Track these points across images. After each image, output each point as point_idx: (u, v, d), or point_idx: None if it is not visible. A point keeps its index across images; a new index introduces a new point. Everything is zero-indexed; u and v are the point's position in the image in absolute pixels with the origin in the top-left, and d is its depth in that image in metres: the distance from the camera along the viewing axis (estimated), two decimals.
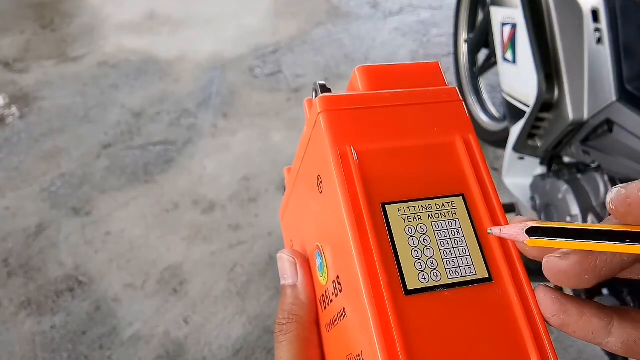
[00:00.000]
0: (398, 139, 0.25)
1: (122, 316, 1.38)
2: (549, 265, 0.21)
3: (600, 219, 0.98)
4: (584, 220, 1.01)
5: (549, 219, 1.11)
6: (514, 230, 0.22)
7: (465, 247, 0.23)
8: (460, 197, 0.25)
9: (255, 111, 2.03)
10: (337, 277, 0.25)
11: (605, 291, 0.96)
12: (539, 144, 1.12)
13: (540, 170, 1.19)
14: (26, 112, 2.09)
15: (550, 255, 0.22)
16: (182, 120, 2.00)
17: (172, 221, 1.62)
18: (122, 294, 1.43)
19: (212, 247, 1.54)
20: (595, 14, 0.96)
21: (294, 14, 2.60)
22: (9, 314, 1.41)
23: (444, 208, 0.24)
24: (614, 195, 0.20)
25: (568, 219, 1.03)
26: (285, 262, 0.31)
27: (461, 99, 0.28)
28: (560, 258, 0.21)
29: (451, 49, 1.97)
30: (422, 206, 0.24)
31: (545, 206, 1.13)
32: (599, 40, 0.95)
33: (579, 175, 1.04)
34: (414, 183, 0.25)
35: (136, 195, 1.72)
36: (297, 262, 0.30)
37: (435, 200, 0.24)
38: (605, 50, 0.93)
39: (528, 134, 1.11)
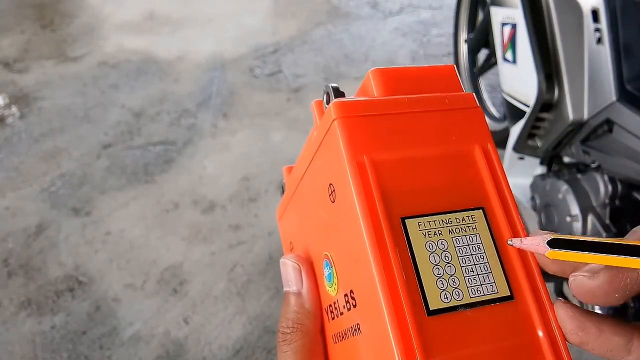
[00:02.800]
0: (416, 148, 0.25)
1: (122, 316, 1.38)
2: (576, 284, 0.21)
3: (600, 219, 0.98)
4: (584, 221, 1.01)
5: (548, 219, 1.11)
6: (535, 241, 0.22)
7: (487, 264, 0.23)
8: (480, 211, 0.24)
9: (255, 111, 2.03)
10: (351, 291, 0.24)
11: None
12: (539, 144, 1.12)
13: (540, 170, 1.19)
14: (26, 112, 2.09)
15: (577, 273, 0.21)
16: (182, 120, 2.00)
17: (172, 221, 1.62)
18: (122, 294, 1.43)
19: (212, 247, 1.54)
20: (595, 14, 0.96)
21: (294, 14, 2.60)
22: (9, 314, 1.41)
23: (464, 222, 0.23)
24: (638, 237, 0.19)
25: (568, 219, 1.03)
26: (289, 269, 0.29)
27: (479, 105, 0.27)
28: (589, 277, 0.20)
29: (451, 49, 1.97)
30: (442, 220, 0.23)
31: (545, 206, 1.13)
32: (599, 40, 0.95)
33: (579, 175, 1.04)
34: (433, 195, 0.24)
35: (136, 195, 1.72)
36: (302, 269, 0.29)
37: (456, 214, 0.24)
38: (605, 50, 0.93)
39: (528, 134, 1.11)
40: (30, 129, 2.01)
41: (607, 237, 0.96)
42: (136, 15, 2.64)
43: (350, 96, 0.27)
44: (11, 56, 2.42)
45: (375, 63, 2.24)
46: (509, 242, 0.23)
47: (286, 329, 0.28)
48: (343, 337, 0.26)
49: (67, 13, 2.71)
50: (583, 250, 0.20)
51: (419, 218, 0.23)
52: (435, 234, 0.23)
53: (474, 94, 0.27)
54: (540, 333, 0.22)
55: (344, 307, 0.25)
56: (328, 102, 0.26)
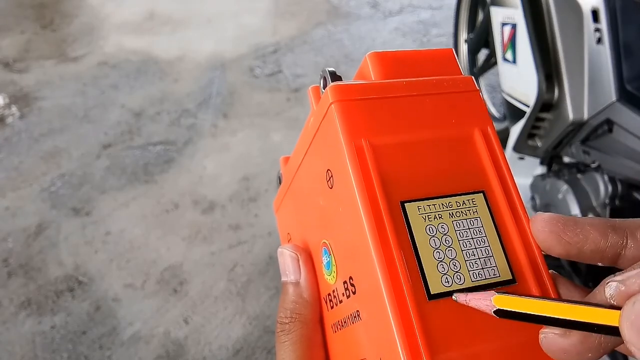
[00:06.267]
0: (414, 132, 0.24)
1: (122, 316, 1.38)
2: (548, 342, 0.20)
3: None
4: None
5: None
6: (481, 303, 0.21)
7: (488, 248, 0.23)
8: (481, 194, 0.24)
9: (255, 111, 2.03)
10: (350, 278, 0.24)
11: None
12: (539, 144, 1.12)
13: (540, 170, 1.19)
14: (26, 112, 2.09)
15: (547, 330, 0.20)
16: (182, 120, 2.00)
17: (172, 221, 1.62)
18: (122, 294, 1.43)
19: (212, 247, 1.54)
20: (595, 14, 0.96)
21: (294, 14, 2.60)
22: (9, 314, 1.41)
23: (464, 206, 0.23)
24: (612, 291, 0.18)
25: None
26: (287, 258, 0.29)
27: (478, 88, 0.26)
28: (560, 335, 0.19)
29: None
30: (442, 204, 0.23)
31: (545, 206, 1.13)
32: (599, 40, 0.95)
33: (579, 175, 1.04)
34: (432, 179, 0.23)
35: (136, 195, 1.72)
36: (299, 258, 0.29)
37: (456, 198, 0.23)
38: (605, 50, 0.93)
39: (528, 134, 1.11)
40: (30, 129, 2.01)
41: None
42: (136, 15, 2.64)
43: (347, 80, 0.26)
44: (11, 56, 2.41)
45: None
46: (453, 297, 0.21)
47: (284, 319, 0.27)
48: (342, 325, 0.25)
49: (67, 13, 2.71)
50: (528, 320, 0.19)
51: (419, 202, 0.23)
52: (435, 217, 0.23)
53: (472, 77, 0.27)
54: None
55: (343, 295, 0.25)
56: (325, 86, 0.26)
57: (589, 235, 0.21)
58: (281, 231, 0.37)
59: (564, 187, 1.05)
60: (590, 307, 0.18)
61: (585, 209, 1.01)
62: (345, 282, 0.25)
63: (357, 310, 0.24)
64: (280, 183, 0.36)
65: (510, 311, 0.20)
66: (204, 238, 1.56)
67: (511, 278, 0.22)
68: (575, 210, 1.02)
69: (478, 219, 0.23)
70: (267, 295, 1.40)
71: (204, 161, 1.83)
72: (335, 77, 0.26)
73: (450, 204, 0.23)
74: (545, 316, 0.19)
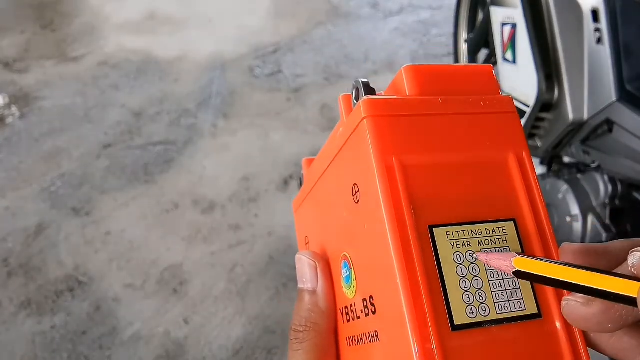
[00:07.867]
0: (447, 153, 0.23)
1: (122, 316, 1.38)
2: (569, 309, 0.20)
3: (600, 219, 0.98)
4: (584, 221, 1.01)
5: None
6: (501, 263, 0.21)
7: (515, 279, 0.22)
8: (512, 222, 0.23)
9: (255, 111, 2.03)
10: (371, 297, 0.23)
11: None
12: (539, 144, 1.12)
13: (540, 170, 1.19)
14: (26, 112, 2.09)
15: (570, 298, 0.20)
16: (182, 120, 2.00)
17: (172, 221, 1.62)
18: (122, 294, 1.43)
19: (212, 247, 1.54)
20: (595, 14, 0.96)
21: (294, 14, 2.60)
22: (9, 314, 1.41)
23: (494, 234, 0.22)
24: (636, 260, 0.18)
25: (568, 219, 1.03)
26: (305, 265, 0.29)
27: (515, 110, 0.25)
28: (583, 304, 0.19)
29: (451, 49, 1.97)
30: (471, 231, 0.22)
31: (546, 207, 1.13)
32: (599, 40, 0.95)
33: (579, 175, 1.04)
34: (463, 204, 0.23)
35: (136, 195, 1.72)
36: (318, 266, 0.28)
37: (486, 225, 0.23)
38: (605, 50, 0.93)
39: (528, 134, 1.11)
40: (30, 129, 2.01)
41: (607, 237, 0.96)
42: (136, 15, 2.64)
43: (379, 92, 0.26)
44: (11, 56, 2.41)
45: (375, 63, 2.24)
46: (475, 256, 0.22)
47: (299, 327, 0.27)
48: (358, 341, 0.25)
49: (67, 13, 2.71)
50: (547, 283, 0.20)
51: (448, 227, 0.22)
52: (463, 244, 0.22)
53: (511, 97, 0.26)
54: (567, 353, 0.21)
55: (362, 312, 0.24)
56: (357, 98, 0.25)
57: (621, 260, 0.21)
58: (299, 233, 0.36)
59: (564, 187, 1.05)
60: (610, 276, 0.18)
61: (585, 209, 1.01)
62: (365, 300, 0.24)
63: (376, 331, 0.23)
64: (301, 184, 0.36)
65: (529, 273, 0.20)
66: (204, 238, 1.56)
67: (537, 312, 0.22)
68: (575, 210, 1.02)
69: (507, 248, 0.22)
70: (267, 295, 1.40)
71: (204, 161, 1.83)
72: (368, 89, 0.25)
73: (479, 231, 0.22)
74: (563, 281, 0.19)
